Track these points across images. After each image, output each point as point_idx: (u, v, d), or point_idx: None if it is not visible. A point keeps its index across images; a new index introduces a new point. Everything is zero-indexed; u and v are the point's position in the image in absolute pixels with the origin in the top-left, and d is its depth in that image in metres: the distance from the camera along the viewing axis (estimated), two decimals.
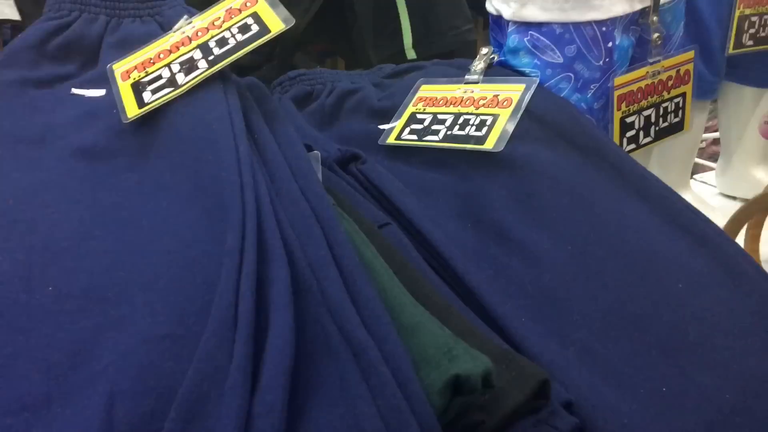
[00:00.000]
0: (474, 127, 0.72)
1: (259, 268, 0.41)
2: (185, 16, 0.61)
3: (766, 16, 1.02)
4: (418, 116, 0.77)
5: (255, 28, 0.55)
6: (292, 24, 0.54)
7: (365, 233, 0.49)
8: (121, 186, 0.50)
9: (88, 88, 0.63)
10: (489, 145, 0.69)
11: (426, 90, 0.81)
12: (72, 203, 0.49)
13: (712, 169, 1.35)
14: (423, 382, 0.35)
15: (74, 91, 0.63)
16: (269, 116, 0.55)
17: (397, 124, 0.78)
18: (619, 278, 0.57)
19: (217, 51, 0.55)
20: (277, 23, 0.55)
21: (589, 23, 0.75)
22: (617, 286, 0.57)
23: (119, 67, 0.58)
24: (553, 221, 0.62)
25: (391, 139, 0.76)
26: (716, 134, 1.29)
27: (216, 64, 0.54)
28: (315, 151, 0.55)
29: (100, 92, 0.63)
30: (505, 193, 0.66)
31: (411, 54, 1.49)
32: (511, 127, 0.69)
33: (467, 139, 0.71)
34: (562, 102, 0.74)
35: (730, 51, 1.00)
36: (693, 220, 0.62)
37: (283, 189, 0.47)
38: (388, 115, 0.81)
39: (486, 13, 0.88)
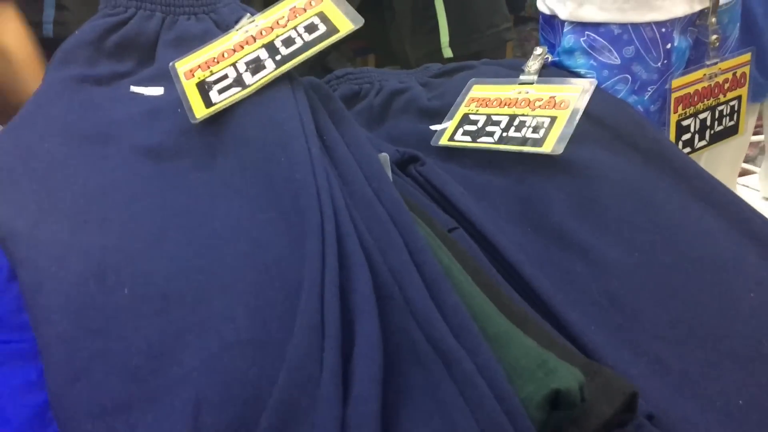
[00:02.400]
0: (531, 129, 0.71)
1: (341, 274, 0.40)
2: (247, 15, 0.60)
3: None
4: (471, 117, 0.76)
5: (322, 27, 0.54)
6: (362, 24, 0.53)
7: (438, 238, 0.48)
8: (190, 186, 0.50)
9: (146, 86, 0.63)
10: (547, 147, 0.67)
11: (478, 90, 0.80)
12: (142, 204, 0.49)
13: (754, 172, 1.33)
14: (518, 396, 0.34)
15: (133, 89, 0.62)
16: (335, 117, 0.54)
17: (450, 124, 0.77)
18: (688, 286, 0.56)
19: (284, 51, 0.54)
20: (345, 23, 0.54)
21: (648, 24, 0.74)
22: (687, 295, 0.55)
23: (182, 66, 0.58)
24: (617, 226, 0.61)
25: (443, 141, 0.75)
26: (760, 137, 1.26)
27: (284, 64, 0.53)
28: (384, 153, 0.54)
29: (158, 90, 0.62)
30: (566, 197, 0.65)
31: (447, 52, 1.48)
32: (569, 130, 0.68)
33: (524, 141, 0.70)
34: (621, 104, 0.73)
35: None
36: (762, 226, 0.60)
37: (357, 192, 0.47)
38: (439, 116, 0.80)
39: (517, 11, 0.86)
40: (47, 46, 0.78)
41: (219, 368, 0.38)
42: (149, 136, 0.54)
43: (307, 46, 0.54)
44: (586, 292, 0.56)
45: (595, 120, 0.70)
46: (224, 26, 0.69)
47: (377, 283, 0.41)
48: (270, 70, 0.53)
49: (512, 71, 0.82)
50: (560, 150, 0.66)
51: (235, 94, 0.52)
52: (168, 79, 0.63)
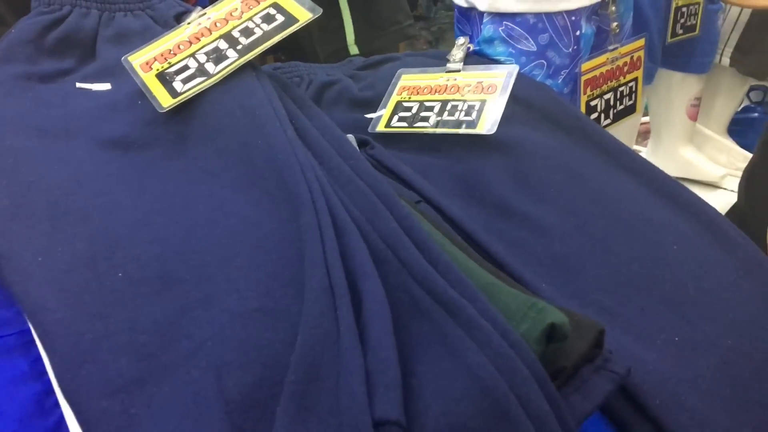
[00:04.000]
0: (463, 113, 0.76)
1: (337, 243, 0.43)
2: (197, 8, 0.61)
3: (693, 6, 1.11)
4: (405, 104, 0.81)
5: (280, 17, 0.57)
6: (320, 13, 0.56)
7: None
8: (165, 174, 0.51)
9: (91, 83, 0.63)
10: (481, 128, 0.73)
11: (408, 79, 0.84)
12: (120, 192, 0.49)
13: (640, 152, 1.45)
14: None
15: (79, 85, 0.62)
16: (299, 103, 0.57)
17: (384, 112, 0.80)
18: (621, 243, 0.63)
19: (244, 41, 0.56)
20: (302, 12, 0.56)
21: (560, 13, 0.81)
22: (620, 251, 0.62)
23: (136, 59, 0.59)
24: (552, 196, 0.67)
25: (380, 127, 0.78)
26: (646, 117, 1.38)
27: (246, 53, 0.55)
28: (350, 134, 0.57)
29: (105, 86, 0.62)
30: (502, 173, 0.70)
31: (354, 50, 1.52)
32: (500, 111, 0.74)
33: (459, 124, 0.75)
34: (542, 86, 0.79)
35: (669, 40, 1.09)
36: (675, 188, 0.68)
37: (335, 169, 0.50)
38: (371, 105, 0.83)
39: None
40: None
41: (233, 336, 0.40)
42: (111, 128, 0.55)
43: (267, 35, 0.56)
44: (532, 255, 0.62)
45: (520, 102, 0.76)
46: (162, 22, 0.70)
47: (370, 250, 0.44)
48: (233, 59, 0.55)
49: (437, 61, 0.87)
50: (493, 130, 0.72)
51: (201, 83, 0.54)
52: (113, 74, 0.63)
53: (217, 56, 0.56)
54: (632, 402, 0.50)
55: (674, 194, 0.68)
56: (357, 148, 0.56)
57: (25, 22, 0.66)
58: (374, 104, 0.83)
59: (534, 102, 0.76)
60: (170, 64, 0.57)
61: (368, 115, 0.82)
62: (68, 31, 0.66)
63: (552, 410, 0.36)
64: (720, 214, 0.68)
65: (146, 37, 0.67)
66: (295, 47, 1.49)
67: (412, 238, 0.44)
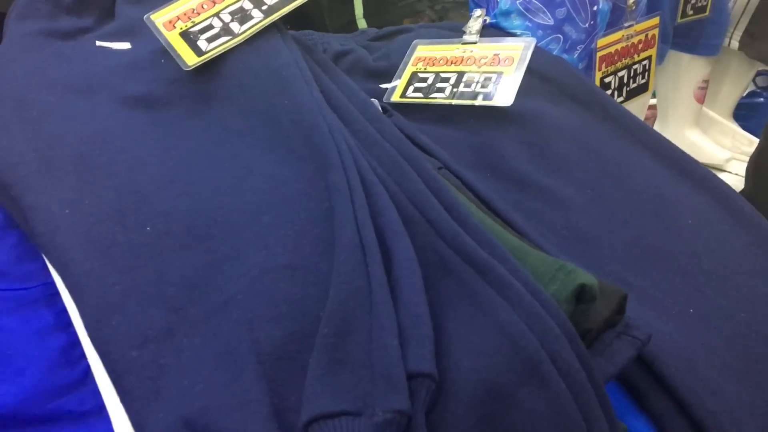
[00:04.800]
0: (479, 84, 0.76)
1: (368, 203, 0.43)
2: None
3: None
4: (420, 75, 0.80)
5: None
6: None
7: None
8: (190, 132, 0.51)
9: (111, 41, 0.62)
10: (498, 100, 0.73)
11: (423, 50, 0.84)
12: (145, 148, 0.49)
13: None
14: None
15: (99, 43, 0.62)
16: (323, 66, 0.56)
17: (400, 82, 0.80)
18: (636, 217, 0.63)
19: (269, 1, 0.56)
20: None
21: None
22: (636, 224, 0.62)
23: (159, 17, 0.58)
24: (568, 169, 0.67)
25: (395, 97, 0.78)
26: (652, 100, 1.39)
27: (272, 14, 0.54)
28: (374, 99, 0.57)
29: (125, 45, 0.62)
30: (518, 145, 0.71)
31: (362, 24, 1.52)
32: (516, 83, 0.74)
33: (475, 95, 0.75)
34: (559, 60, 0.79)
35: (679, 20, 1.09)
36: (690, 164, 0.69)
37: (361, 131, 0.50)
38: (386, 75, 0.83)
39: None
40: None
41: (263, 291, 0.40)
42: (135, 86, 0.54)
43: None
44: (549, 226, 0.62)
45: (537, 74, 0.76)
46: None
47: (398, 210, 0.44)
48: (259, 19, 0.54)
49: (452, 33, 0.86)
50: (510, 102, 0.72)
51: (226, 42, 0.53)
52: (133, 34, 0.63)
53: (242, 16, 0.55)
54: (648, 369, 0.51)
55: (690, 170, 0.68)
56: (381, 112, 0.56)
57: None
58: (389, 75, 0.82)
59: (551, 75, 0.76)
60: (194, 23, 0.56)
61: (383, 85, 0.82)
62: None
63: (582, 368, 0.36)
64: (734, 190, 0.68)
65: None
66: (305, 19, 1.48)
67: (439, 200, 0.44)
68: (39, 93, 0.52)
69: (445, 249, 0.41)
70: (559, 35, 0.83)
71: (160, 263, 0.43)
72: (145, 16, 0.59)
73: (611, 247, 0.60)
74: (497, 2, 0.86)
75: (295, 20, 1.56)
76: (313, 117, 0.48)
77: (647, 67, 0.94)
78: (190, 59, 0.53)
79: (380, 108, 0.57)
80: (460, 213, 0.43)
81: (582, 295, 0.39)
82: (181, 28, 0.56)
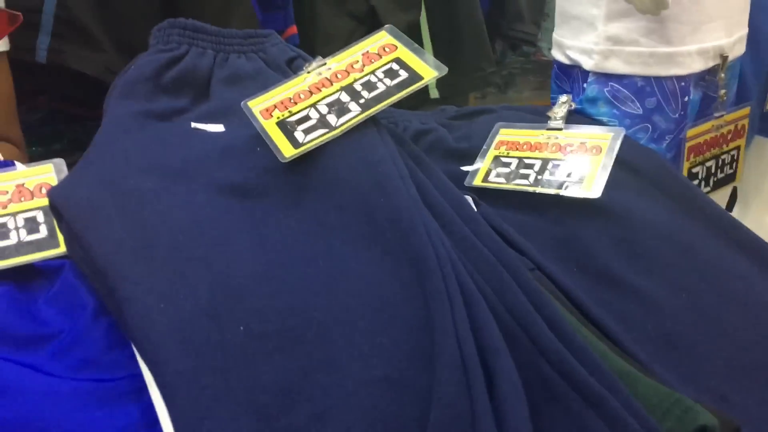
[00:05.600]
0: (565, 173, 0.74)
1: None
2: (318, 57, 0.62)
3: None
4: (503, 159, 0.79)
5: (403, 74, 0.57)
6: (445, 72, 0.56)
7: None
8: (284, 225, 0.50)
9: (206, 123, 0.63)
10: (586, 191, 0.71)
11: (506, 134, 0.83)
12: (240, 241, 0.49)
13: None
14: None
15: (194, 125, 0.63)
16: (416, 159, 0.56)
17: (482, 166, 0.79)
18: (737, 326, 0.60)
19: (366, 95, 0.56)
20: (427, 70, 0.56)
21: (670, 77, 0.79)
22: (737, 334, 0.59)
23: (256, 105, 0.59)
24: (660, 268, 0.65)
25: (477, 181, 0.77)
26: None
27: (369, 108, 0.54)
28: (468, 196, 0.56)
29: (219, 127, 0.63)
30: (606, 239, 0.68)
31: (434, 93, 1.53)
32: (605, 174, 0.72)
33: (560, 184, 0.73)
34: (649, 151, 0.77)
35: (766, 108, 1.06)
36: None
37: (456, 233, 0.48)
38: (467, 157, 0.82)
39: None
40: (37, 71, 0.77)
41: (358, 406, 0.39)
42: (230, 173, 0.55)
43: (390, 91, 0.56)
44: (642, 332, 0.59)
45: (626, 166, 0.74)
46: (274, 65, 0.71)
47: (498, 324, 0.42)
48: (356, 113, 0.54)
49: (535, 116, 0.85)
50: (599, 193, 0.70)
51: (323, 135, 0.53)
52: (226, 116, 0.64)
53: (339, 108, 0.55)
54: None
55: None
56: (475, 209, 0.55)
57: (145, 58, 0.67)
58: (469, 156, 0.82)
59: (641, 167, 0.74)
60: (291, 113, 0.57)
61: (464, 168, 0.81)
62: (185, 70, 0.67)
63: None
64: None
65: (258, 80, 0.68)
66: None
67: (542, 315, 0.42)
68: (137, 178, 0.52)
69: (549, 372, 0.39)
70: (648, 125, 0.81)
71: (253, 367, 0.42)
72: (243, 102, 0.60)
73: (710, 359, 0.57)
74: (583, 88, 0.85)
75: None
76: (411, 217, 0.47)
77: (735, 157, 0.91)
78: (287, 150, 0.53)
79: (473, 204, 0.56)
80: (565, 331, 0.41)
81: None
82: (278, 117, 0.57)
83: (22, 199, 0.55)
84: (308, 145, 0.53)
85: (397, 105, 1.04)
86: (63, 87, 1.08)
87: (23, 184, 0.56)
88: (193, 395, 0.40)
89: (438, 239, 0.46)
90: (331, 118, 0.55)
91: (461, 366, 0.38)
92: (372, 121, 0.55)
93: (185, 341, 0.42)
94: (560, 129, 0.80)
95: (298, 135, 0.54)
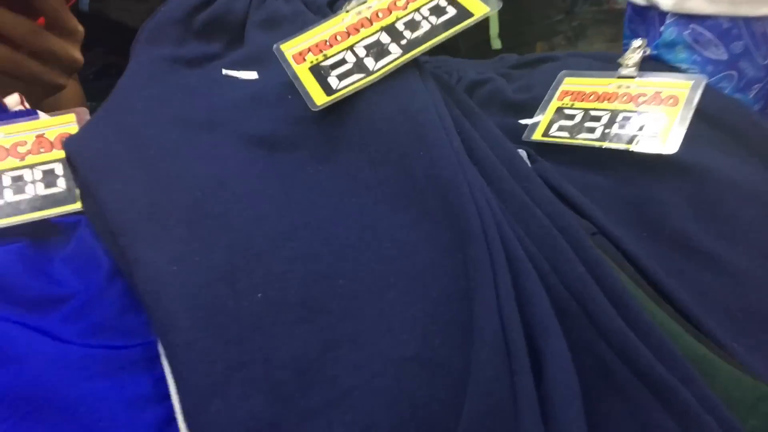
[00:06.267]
0: (637, 126, 0.66)
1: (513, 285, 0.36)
2: None
3: None
4: (566, 111, 0.72)
5: (451, 10, 0.50)
6: (499, 7, 0.49)
7: None
8: (313, 181, 0.45)
9: (238, 70, 0.58)
10: (660, 146, 0.63)
11: (571, 83, 0.75)
12: (263, 198, 0.44)
13: None
14: None
15: (225, 72, 0.58)
16: (465, 109, 0.50)
17: (542, 118, 0.72)
18: None
19: (408, 35, 0.49)
20: (479, 6, 0.49)
21: (759, 18, 0.70)
22: None
23: (289, 48, 0.53)
24: (744, 234, 0.57)
25: (537, 135, 0.70)
26: None
27: (411, 49, 0.48)
28: (521, 149, 0.50)
29: (252, 75, 0.58)
30: (683, 201, 0.61)
31: (496, 44, 1.44)
32: (682, 128, 0.64)
33: (631, 139, 0.65)
34: (734, 102, 0.68)
35: None
36: None
37: (506, 192, 0.42)
38: (526, 109, 0.75)
39: None
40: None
41: (384, 388, 0.34)
42: (259, 124, 0.50)
43: (435, 30, 0.49)
44: (720, 305, 0.52)
45: (708, 119, 0.66)
46: (314, 7, 0.65)
47: (551, 297, 0.36)
48: (396, 56, 0.48)
49: (605, 64, 0.77)
50: (674, 149, 0.62)
51: (359, 81, 0.48)
52: (261, 62, 0.58)
53: (378, 51, 0.49)
54: None
55: None
56: (529, 165, 0.49)
57: (176, 0, 0.62)
58: (529, 109, 0.74)
59: (725, 121, 0.65)
60: (325, 56, 0.51)
61: (522, 121, 0.74)
62: (218, 12, 0.62)
63: None
64: None
65: (297, 23, 0.62)
66: None
67: (603, 288, 0.36)
68: (157, 129, 0.48)
69: (609, 355, 0.34)
70: (733, 72, 0.72)
71: (270, 339, 0.37)
72: (275, 45, 0.55)
73: None
74: (660, 32, 0.76)
75: None
76: (452, 173, 0.41)
77: None
78: (319, 98, 0.48)
79: (527, 159, 0.49)
80: (630, 307, 0.35)
81: None
82: (312, 62, 0.51)
83: (42, 150, 0.51)
84: (342, 92, 0.47)
85: (456, 56, 0.97)
86: (113, 40, 1.06)
87: (44, 135, 0.52)
88: (203, 369, 0.36)
89: (483, 198, 0.40)
90: (369, 62, 0.49)
91: (503, 346, 0.33)
92: (414, 64, 0.49)
93: (197, 308, 0.38)
94: (633, 77, 0.72)
95: (332, 81, 0.49)
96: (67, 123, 0.54)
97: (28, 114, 0.56)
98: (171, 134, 0.48)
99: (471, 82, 0.80)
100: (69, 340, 0.43)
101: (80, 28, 0.63)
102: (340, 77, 0.49)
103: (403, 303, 0.37)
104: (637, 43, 0.75)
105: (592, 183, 0.65)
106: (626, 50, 0.75)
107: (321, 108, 0.47)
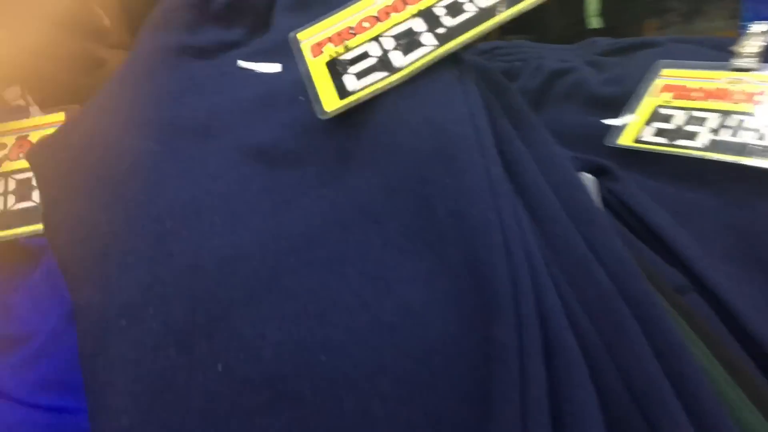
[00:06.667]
0: (754, 133, 0.53)
1: (549, 385, 0.25)
2: None
3: None
4: (663, 111, 0.59)
5: None
6: None
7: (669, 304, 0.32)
8: (313, 210, 0.36)
9: (258, 61, 0.49)
10: None
11: (670, 75, 0.62)
12: (246, 231, 0.35)
13: None
14: None
15: (240, 63, 0.49)
16: (515, 118, 0.38)
17: (634, 119, 0.59)
18: None
19: (448, 22, 0.39)
20: None
21: None
22: None
23: (307, 37, 0.44)
24: None
25: (626, 140, 0.58)
26: None
27: (448, 41, 0.37)
28: (586, 174, 0.38)
29: (274, 67, 0.48)
30: None
31: (594, 22, 1.29)
32: None
33: (743, 149, 0.52)
34: None
35: None
36: None
37: (559, 238, 0.31)
38: (614, 106, 0.63)
39: None
40: None
41: None
42: (261, 131, 0.40)
43: (483, 14, 0.38)
44: None
45: None
46: None
47: (605, 404, 0.25)
48: (429, 49, 0.38)
49: (715, 52, 0.63)
50: None
51: (380, 81, 0.37)
52: (287, 53, 0.49)
53: (409, 42, 0.39)
54: None
55: None
56: (597, 197, 0.37)
57: None
58: (618, 105, 0.62)
59: None
60: (347, 48, 0.41)
61: (606, 121, 0.61)
62: None
63: None
64: None
65: (332, 4, 0.53)
66: (521, 17, 1.28)
67: (683, 397, 0.25)
68: (139, 137, 0.40)
69: None
70: None
71: None
72: (291, 34, 0.45)
73: None
74: None
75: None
76: (481, 211, 0.30)
77: None
78: (329, 103, 0.38)
79: (598, 190, 0.38)
80: (717, 426, 0.24)
81: None
82: (330, 55, 0.41)
83: (20, 155, 0.44)
84: (358, 95, 0.37)
85: (542, 41, 0.84)
86: None
87: (27, 137, 0.45)
88: None
89: (521, 251, 0.29)
90: (396, 57, 0.38)
91: None
92: (454, 60, 0.38)
93: (139, 385, 0.30)
94: (750, 70, 0.58)
95: (349, 80, 0.39)
96: (56, 123, 0.47)
97: (19, 111, 0.49)
98: (153, 144, 0.39)
99: (551, 71, 0.69)
100: (16, 396, 0.36)
101: None
102: (360, 75, 0.39)
103: (397, 400, 0.27)
104: (755, 27, 0.60)
105: (691, 205, 0.52)
106: (743, 35, 0.61)
107: (330, 116, 0.37)
